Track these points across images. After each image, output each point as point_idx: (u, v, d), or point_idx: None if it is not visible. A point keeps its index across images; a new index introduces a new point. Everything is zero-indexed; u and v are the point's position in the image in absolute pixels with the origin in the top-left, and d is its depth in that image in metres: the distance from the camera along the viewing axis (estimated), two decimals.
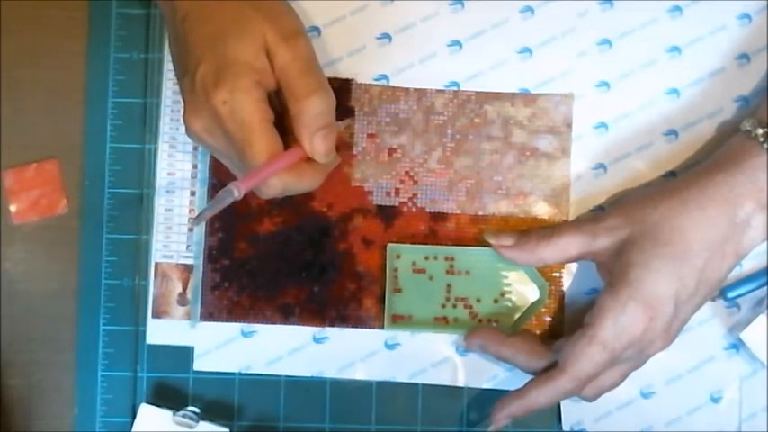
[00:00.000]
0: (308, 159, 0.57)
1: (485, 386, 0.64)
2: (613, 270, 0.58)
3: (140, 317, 0.65)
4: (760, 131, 0.57)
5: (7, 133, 0.66)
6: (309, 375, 0.65)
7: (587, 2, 0.65)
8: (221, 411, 0.64)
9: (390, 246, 0.64)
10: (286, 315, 0.64)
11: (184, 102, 0.57)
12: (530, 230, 0.62)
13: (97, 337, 0.65)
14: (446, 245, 0.64)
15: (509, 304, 0.64)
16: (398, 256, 0.64)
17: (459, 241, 0.65)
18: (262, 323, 0.64)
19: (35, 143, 0.66)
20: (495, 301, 0.64)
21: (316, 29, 0.65)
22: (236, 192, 0.53)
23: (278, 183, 0.56)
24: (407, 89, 0.65)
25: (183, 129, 0.65)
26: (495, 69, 0.65)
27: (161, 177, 0.65)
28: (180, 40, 0.57)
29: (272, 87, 0.56)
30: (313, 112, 0.56)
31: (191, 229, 0.65)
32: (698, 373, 0.64)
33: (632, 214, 0.58)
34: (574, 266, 0.64)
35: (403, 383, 0.64)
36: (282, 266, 0.64)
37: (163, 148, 0.65)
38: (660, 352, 0.58)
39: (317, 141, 0.56)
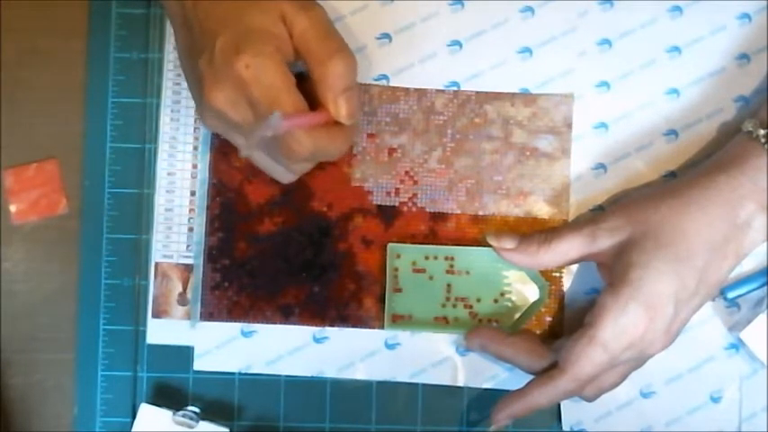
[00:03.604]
0: (334, 124, 0.57)
1: (485, 386, 0.64)
2: (614, 270, 0.58)
3: (140, 317, 0.65)
4: (761, 132, 0.57)
5: (7, 133, 0.66)
6: (309, 375, 0.65)
7: (587, 2, 0.65)
8: (221, 411, 0.64)
9: (390, 245, 0.64)
10: (286, 315, 0.64)
11: (203, 80, 0.56)
12: (531, 234, 0.61)
13: (97, 337, 0.65)
14: (446, 245, 0.64)
15: (509, 304, 0.64)
16: (398, 256, 0.64)
17: (460, 241, 0.65)
18: (262, 323, 0.64)
19: (35, 143, 0.66)
20: (495, 301, 0.64)
21: None
22: (279, 120, 0.52)
23: (309, 140, 0.56)
24: (407, 89, 0.65)
25: (182, 129, 0.66)
26: (495, 69, 0.65)
27: (161, 177, 0.65)
28: (193, 27, 0.57)
29: (291, 58, 0.57)
30: (336, 73, 0.56)
31: (190, 229, 0.65)
32: (698, 373, 0.64)
33: (633, 215, 0.58)
34: (574, 266, 0.64)
35: (403, 383, 0.65)
36: (282, 266, 0.64)
37: (163, 147, 0.65)
38: (660, 352, 0.58)
39: (341, 102, 0.57)
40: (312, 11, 0.57)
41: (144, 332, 0.65)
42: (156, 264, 0.65)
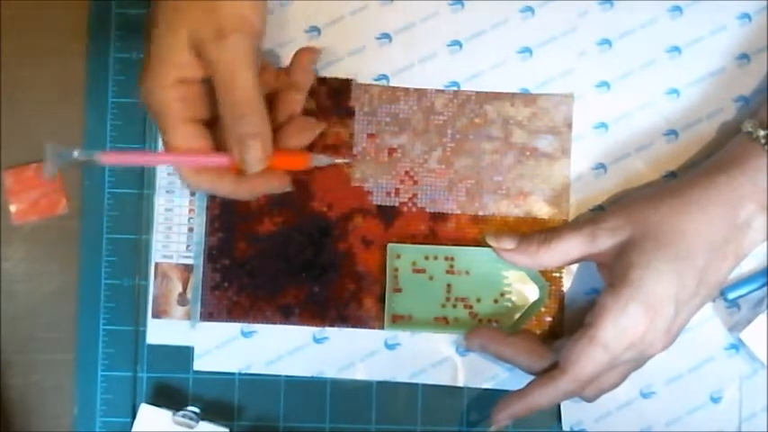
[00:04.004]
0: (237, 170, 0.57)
1: (485, 386, 0.64)
2: (614, 270, 0.58)
3: (140, 317, 0.65)
4: (761, 133, 0.57)
5: (7, 133, 0.66)
6: (309, 375, 0.65)
7: (587, 2, 0.65)
8: (221, 411, 0.64)
9: (390, 246, 0.64)
10: (286, 315, 0.64)
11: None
12: (531, 234, 0.61)
13: (97, 337, 0.65)
14: (446, 245, 0.64)
15: (509, 304, 0.64)
16: (398, 256, 0.64)
17: (460, 241, 0.64)
18: (262, 323, 0.64)
19: (35, 143, 0.66)
20: (495, 301, 0.64)
21: (316, 29, 0.65)
22: (99, 157, 0.55)
23: (193, 179, 0.57)
24: (407, 89, 0.65)
25: None
26: (495, 69, 0.65)
27: (161, 177, 0.65)
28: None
29: (207, 76, 0.56)
30: (237, 114, 0.55)
31: (190, 229, 0.65)
32: (698, 373, 0.64)
33: (633, 215, 0.58)
34: (574, 266, 0.64)
35: (403, 383, 0.64)
36: (282, 266, 0.64)
37: (163, 147, 0.65)
38: (660, 353, 0.58)
39: (240, 148, 0.55)
40: (230, 42, 0.54)
41: (144, 332, 0.65)
42: (156, 264, 0.65)
